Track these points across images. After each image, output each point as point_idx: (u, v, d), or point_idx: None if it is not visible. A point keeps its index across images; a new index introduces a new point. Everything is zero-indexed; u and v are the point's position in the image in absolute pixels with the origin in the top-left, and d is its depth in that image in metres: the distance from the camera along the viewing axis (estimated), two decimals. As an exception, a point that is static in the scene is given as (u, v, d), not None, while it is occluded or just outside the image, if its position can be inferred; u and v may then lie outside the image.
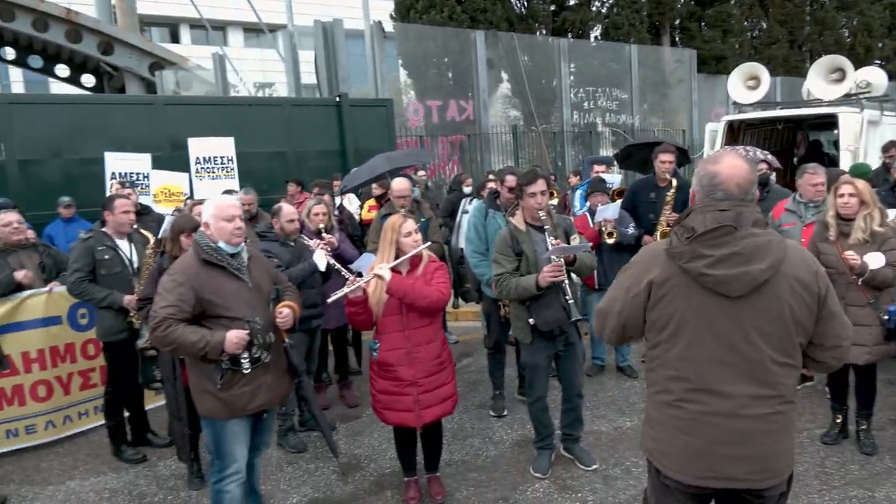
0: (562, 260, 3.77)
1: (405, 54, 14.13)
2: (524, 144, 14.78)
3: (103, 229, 4.72)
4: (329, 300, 3.48)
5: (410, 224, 3.57)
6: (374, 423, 5.04)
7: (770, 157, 7.18)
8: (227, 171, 7.97)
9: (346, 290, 3.37)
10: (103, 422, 4.96)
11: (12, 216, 5.01)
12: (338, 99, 11.20)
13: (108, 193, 7.69)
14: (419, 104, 13.73)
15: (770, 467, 2.03)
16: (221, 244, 3.12)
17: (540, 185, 3.91)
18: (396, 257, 3.52)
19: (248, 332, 2.97)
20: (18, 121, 8.47)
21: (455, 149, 13.93)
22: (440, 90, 14.04)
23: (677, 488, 2.13)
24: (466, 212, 5.96)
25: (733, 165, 2.05)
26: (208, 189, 7.82)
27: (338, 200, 7.50)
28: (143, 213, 6.21)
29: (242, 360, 3.02)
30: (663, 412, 2.13)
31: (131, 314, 4.60)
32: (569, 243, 3.96)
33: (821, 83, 8.85)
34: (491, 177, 6.88)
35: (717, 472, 2.04)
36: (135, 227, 4.82)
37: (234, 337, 2.96)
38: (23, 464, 4.83)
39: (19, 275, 4.89)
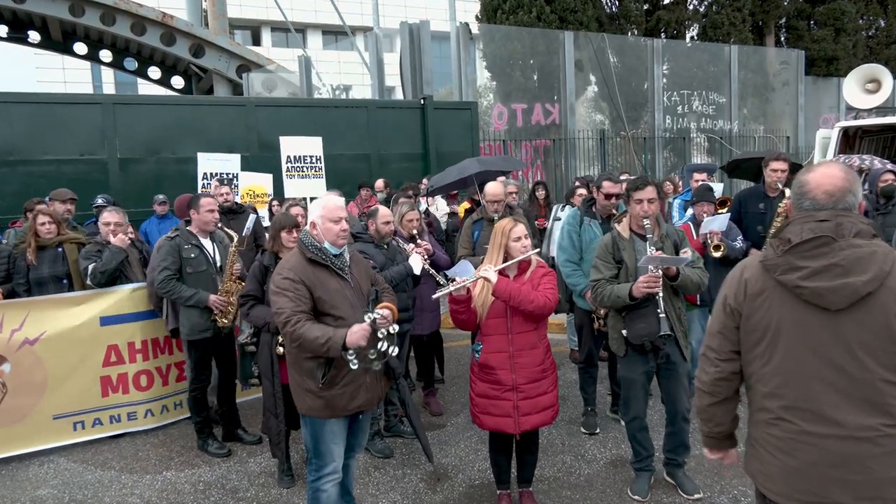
0: (659, 271, 3.72)
1: (490, 56, 14.27)
2: (611, 150, 14.58)
3: (189, 228, 4.85)
4: (434, 296, 3.58)
5: (521, 229, 3.60)
6: (461, 432, 5.14)
7: (891, 166, 6.77)
8: (316, 171, 8.31)
9: (451, 288, 3.44)
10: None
11: (111, 216, 5.35)
12: (422, 102, 11.44)
13: (200, 192, 8.09)
14: (503, 107, 13.83)
15: (882, 494, 1.93)
16: (327, 245, 3.22)
17: (648, 192, 3.90)
18: (505, 261, 3.58)
19: (369, 324, 2.97)
20: (121, 120, 9.15)
21: (539, 154, 13.91)
22: (525, 93, 14.09)
23: None
24: (559, 219, 5.90)
25: (824, 174, 2.05)
26: (298, 188, 8.15)
27: (422, 204, 7.61)
28: (238, 212, 6.43)
29: (370, 356, 2.99)
30: (762, 431, 2.11)
31: (215, 313, 4.77)
32: (678, 255, 3.87)
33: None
34: (577, 183, 6.80)
35: (822, 496, 1.98)
36: (219, 225, 4.93)
37: (358, 329, 2.94)
38: (122, 451, 5.15)
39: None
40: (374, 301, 3.24)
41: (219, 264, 4.88)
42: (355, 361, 2.95)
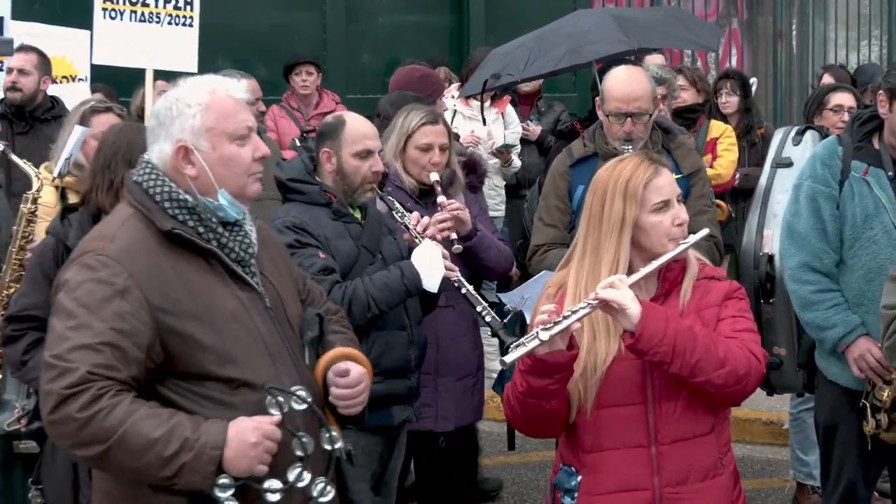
0: None
1: None
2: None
3: None
4: (508, 358, 2.18)
5: (665, 180, 2.30)
6: None
7: None
8: (178, 9, 4.93)
9: (537, 338, 2.05)
10: None
11: None
12: None
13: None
14: None
15: None
16: (224, 198, 2.04)
17: None
18: (633, 267, 2.29)
19: (274, 420, 1.90)
20: None
21: (735, 6, 9.62)
22: None
23: None
24: (787, 164, 3.87)
25: None
26: (123, 49, 5.03)
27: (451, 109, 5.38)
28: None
29: (267, 494, 1.88)
30: None
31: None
32: None
33: None
34: (829, 77, 5.44)
35: None
36: (4, 149, 3.96)
37: (253, 434, 1.82)
38: None
39: None
40: (315, 342, 2.12)
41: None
42: (231, 499, 1.86)
